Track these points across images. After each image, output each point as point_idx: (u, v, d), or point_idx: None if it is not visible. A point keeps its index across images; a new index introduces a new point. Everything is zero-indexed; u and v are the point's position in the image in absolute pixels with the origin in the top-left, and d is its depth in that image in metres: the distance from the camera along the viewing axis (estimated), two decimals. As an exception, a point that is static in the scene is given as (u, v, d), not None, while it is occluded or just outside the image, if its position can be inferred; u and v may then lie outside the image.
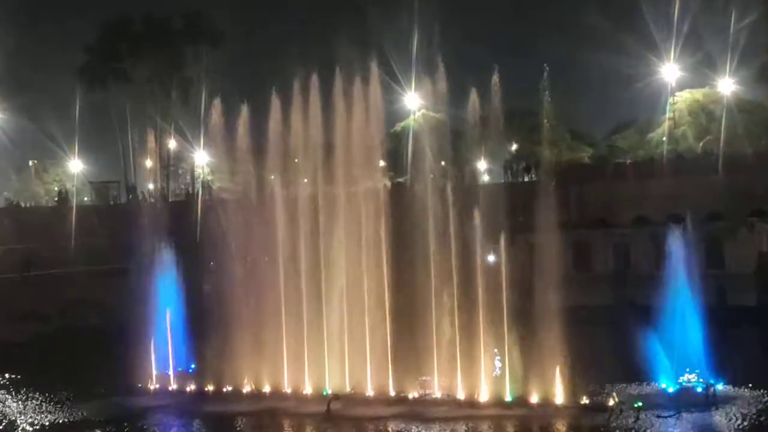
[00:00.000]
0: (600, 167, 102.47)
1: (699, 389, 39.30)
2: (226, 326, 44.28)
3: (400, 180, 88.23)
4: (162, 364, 47.86)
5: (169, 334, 48.05)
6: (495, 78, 44.30)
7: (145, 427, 40.76)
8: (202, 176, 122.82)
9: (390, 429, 38.19)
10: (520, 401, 39.61)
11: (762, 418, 36.68)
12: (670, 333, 39.98)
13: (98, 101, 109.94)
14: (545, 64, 48.01)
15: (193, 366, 48.17)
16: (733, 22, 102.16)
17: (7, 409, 44.70)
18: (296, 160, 47.76)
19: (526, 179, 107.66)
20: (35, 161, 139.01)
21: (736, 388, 40.50)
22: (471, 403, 40.03)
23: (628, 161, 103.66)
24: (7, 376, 52.95)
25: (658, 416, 37.18)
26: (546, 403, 39.19)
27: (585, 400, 39.38)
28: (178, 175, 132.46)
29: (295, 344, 44.02)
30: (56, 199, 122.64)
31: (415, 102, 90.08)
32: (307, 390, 43.39)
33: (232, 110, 48.40)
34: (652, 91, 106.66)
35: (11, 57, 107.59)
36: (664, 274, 41.63)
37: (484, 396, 40.28)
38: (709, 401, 38.64)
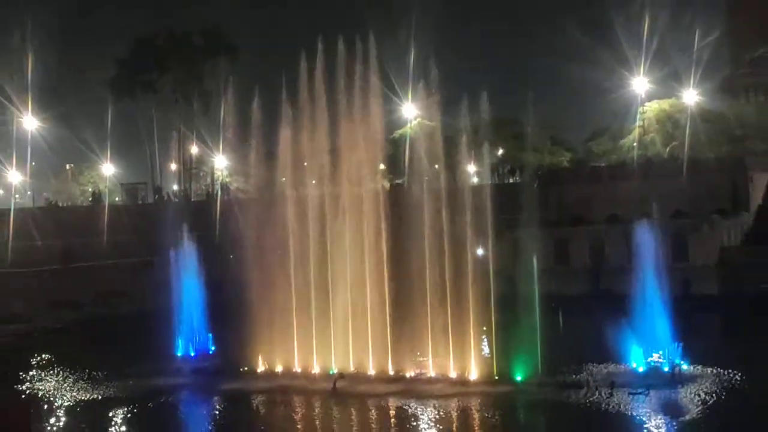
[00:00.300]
0: (577, 170, 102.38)
1: (666, 369, 39.32)
2: (242, 313, 44.26)
3: (399, 181, 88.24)
4: (185, 347, 47.93)
5: (191, 320, 48.13)
6: (484, 91, 44.37)
7: (168, 403, 40.80)
8: (221, 178, 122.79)
9: (389, 405, 38.19)
10: (506, 379, 39.62)
11: (723, 395, 36.73)
12: (640, 319, 39.98)
13: (127, 111, 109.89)
14: (531, 93, 48.16)
15: (212, 348, 48.18)
16: (696, 40, 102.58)
17: (47, 387, 44.70)
18: (305, 164, 47.77)
19: (511, 181, 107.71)
20: (71, 165, 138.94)
21: (700, 368, 40.48)
22: (462, 382, 40.05)
23: (603, 165, 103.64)
24: (46, 357, 52.96)
25: (629, 393, 37.20)
26: (529, 381, 39.22)
27: (564, 379, 39.43)
28: (199, 177, 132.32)
29: (305, 328, 44.04)
30: (90, 199, 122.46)
31: (411, 111, 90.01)
32: (316, 370, 43.42)
33: (248, 119, 48.38)
34: (624, 101, 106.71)
35: (50, 71, 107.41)
36: (634, 266, 41.65)
37: (473, 375, 40.31)
38: (675, 380, 38.66)
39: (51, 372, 48.77)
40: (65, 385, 44.80)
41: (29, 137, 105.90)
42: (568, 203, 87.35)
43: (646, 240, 42.35)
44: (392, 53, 48.69)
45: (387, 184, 79.52)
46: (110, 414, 38.13)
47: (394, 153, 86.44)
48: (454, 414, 36.31)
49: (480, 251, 44.07)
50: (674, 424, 33.33)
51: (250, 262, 45.59)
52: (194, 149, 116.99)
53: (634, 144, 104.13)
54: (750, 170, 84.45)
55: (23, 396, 42.47)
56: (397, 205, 44.99)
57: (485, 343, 42.99)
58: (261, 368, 44.38)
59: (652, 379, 38.63)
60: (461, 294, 41.24)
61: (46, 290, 69.51)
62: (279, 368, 44.18)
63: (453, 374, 40.69)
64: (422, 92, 47.12)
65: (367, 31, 43.60)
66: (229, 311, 46.58)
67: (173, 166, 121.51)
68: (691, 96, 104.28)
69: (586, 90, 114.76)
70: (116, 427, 36.60)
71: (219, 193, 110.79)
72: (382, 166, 50.65)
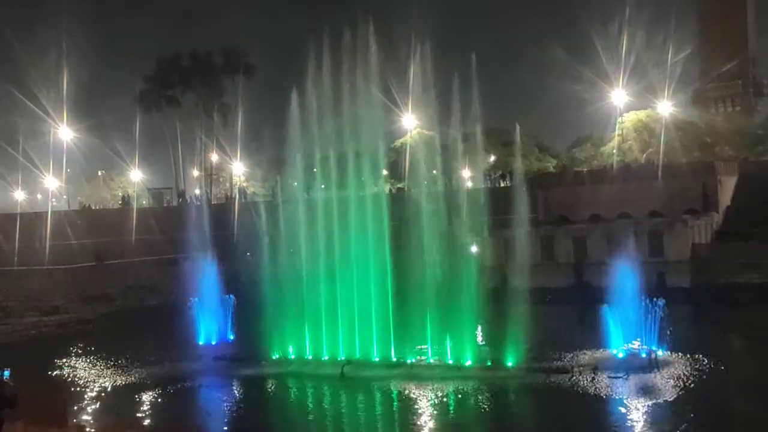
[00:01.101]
0: (562, 175, 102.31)
1: (643, 355, 39.24)
2: (258, 305, 44.22)
3: (400, 186, 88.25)
4: (206, 336, 47.92)
5: (211, 311, 48.11)
6: (476, 103, 44.35)
7: (191, 387, 40.77)
8: (238, 183, 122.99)
9: (392, 387, 38.16)
10: (498, 365, 39.54)
11: (695, 379, 36.69)
12: (620, 309, 39.90)
13: (154, 122, 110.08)
14: (518, 124, 48.33)
15: (231, 337, 48.17)
16: (670, 56, 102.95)
17: (81, 372, 44.72)
18: (315, 170, 47.75)
19: (502, 185, 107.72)
20: (103, 171, 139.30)
21: (674, 354, 40.42)
22: (458, 367, 39.95)
23: (585, 170, 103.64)
24: (81, 346, 52.97)
25: (610, 377, 37.19)
26: (519, 366, 39.16)
27: (551, 364, 39.35)
28: (218, 182, 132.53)
29: (315, 319, 44.00)
30: (120, 202, 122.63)
31: (411, 122, 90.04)
32: (325, 356, 43.36)
33: (262, 129, 48.42)
34: (604, 112, 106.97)
35: (84, 87, 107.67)
36: (614, 261, 41.57)
37: (468, 361, 40.23)
38: (651, 365, 38.59)
39: (85, 359, 48.80)
40: (98, 370, 44.81)
41: (65, 146, 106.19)
42: (553, 204, 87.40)
43: (625, 237, 42.34)
44: (394, 69, 48.64)
45: (389, 188, 79.47)
46: (139, 397, 38.20)
47: (396, 160, 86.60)
48: (451, 396, 36.30)
49: (474, 248, 44.11)
50: (651, 404, 33.29)
51: (264, 259, 45.58)
52: (214, 157, 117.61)
53: (614, 151, 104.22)
54: (719, 174, 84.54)
55: (60, 380, 42.51)
56: (399, 208, 44.97)
57: (479, 332, 42.96)
58: (275, 355, 44.29)
59: (631, 364, 38.55)
60: (457, 287, 41.19)
61: (80, 285, 69.47)
62: (291, 355, 44.10)
63: (450, 360, 40.63)
64: (421, 105, 47.08)
65: (368, 49, 43.62)
66: (246, 304, 46.56)
67: (195, 173, 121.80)
68: (665, 107, 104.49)
69: (569, 102, 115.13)
70: (145, 408, 36.64)
71: (237, 196, 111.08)
72: (385, 172, 50.61)
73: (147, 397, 38.32)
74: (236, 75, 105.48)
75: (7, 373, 12.29)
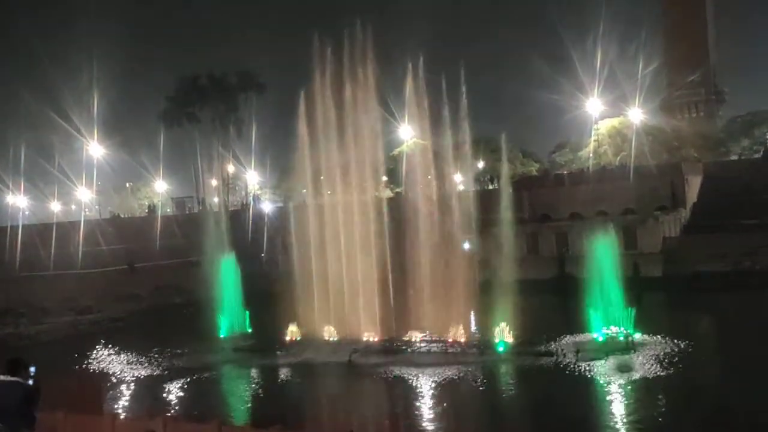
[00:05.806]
0: (544, 177, 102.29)
1: (621, 338, 39.24)
2: (272, 300, 44.24)
3: (398, 190, 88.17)
4: (226, 329, 47.85)
5: (230, 307, 48.09)
6: (465, 116, 44.44)
7: (214, 376, 40.73)
8: (252, 191, 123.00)
9: (394, 372, 38.03)
10: (490, 350, 39.54)
11: (667, 358, 36.66)
12: (598, 297, 39.89)
13: (176, 137, 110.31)
14: (504, 133, 48.41)
15: (249, 330, 48.10)
16: (640, 68, 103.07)
17: (114, 365, 44.68)
18: (321, 178, 47.81)
19: (491, 188, 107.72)
20: (131, 183, 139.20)
21: (648, 337, 40.43)
22: (454, 353, 39.89)
23: (565, 172, 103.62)
24: (113, 341, 52.94)
25: (591, 358, 37.17)
26: (509, 350, 39.15)
27: (538, 348, 39.33)
28: (235, 191, 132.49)
29: (324, 312, 44.00)
30: (146, 210, 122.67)
31: (408, 133, 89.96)
32: (334, 340, 43.20)
33: (273, 142, 48.48)
34: (581, 120, 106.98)
35: (112, 107, 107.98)
36: (592, 254, 41.54)
37: (464, 347, 40.15)
38: (628, 347, 38.59)
39: (118, 352, 48.76)
40: (130, 362, 44.76)
41: (95, 161, 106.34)
42: (537, 204, 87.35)
43: (602, 232, 42.33)
44: (392, 85, 48.72)
45: (386, 192, 79.46)
46: (167, 386, 38.11)
47: (394, 167, 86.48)
48: (448, 378, 36.25)
49: (467, 245, 44.08)
50: (628, 382, 33.34)
51: (277, 259, 45.60)
52: (231, 167, 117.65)
53: (590, 155, 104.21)
54: (685, 174, 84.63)
55: (95, 372, 42.49)
56: (398, 210, 45.00)
57: (473, 320, 42.95)
58: (289, 345, 44.22)
59: (610, 347, 38.56)
60: (452, 280, 41.20)
61: (112, 286, 69.48)
62: (304, 345, 44.02)
63: (446, 346, 40.55)
64: (416, 117, 47.12)
65: (368, 68, 43.68)
66: (262, 299, 46.55)
67: (214, 182, 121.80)
68: (636, 114, 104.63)
69: (550, 111, 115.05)
70: (173, 396, 36.59)
71: (251, 203, 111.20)
72: (384, 178, 50.63)
73: (174, 386, 38.23)
74: (249, 93, 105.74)
75: (33, 369, 12.20)
